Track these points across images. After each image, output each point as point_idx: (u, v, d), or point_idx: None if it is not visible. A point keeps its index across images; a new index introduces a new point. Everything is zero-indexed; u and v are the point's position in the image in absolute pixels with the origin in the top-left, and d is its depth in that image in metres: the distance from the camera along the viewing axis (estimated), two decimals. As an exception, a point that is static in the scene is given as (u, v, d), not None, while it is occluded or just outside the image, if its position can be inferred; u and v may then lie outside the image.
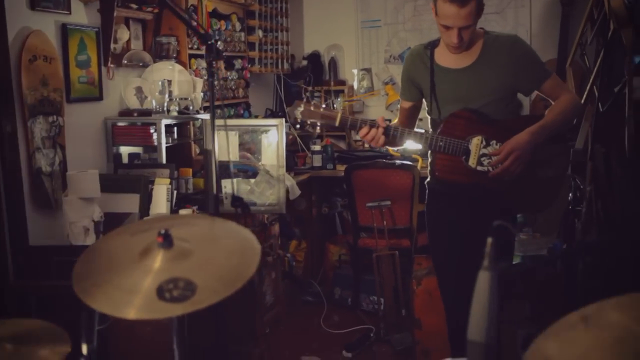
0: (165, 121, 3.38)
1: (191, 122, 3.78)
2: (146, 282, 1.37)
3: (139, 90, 3.59)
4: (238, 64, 4.52)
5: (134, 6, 3.48)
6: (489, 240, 1.31)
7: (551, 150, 2.66)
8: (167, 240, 1.45)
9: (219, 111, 4.32)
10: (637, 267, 2.77)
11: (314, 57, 5.53)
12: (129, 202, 3.22)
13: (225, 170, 3.90)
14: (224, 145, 3.80)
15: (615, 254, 2.93)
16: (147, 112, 3.41)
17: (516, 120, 2.64)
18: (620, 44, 3.40)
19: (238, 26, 4.49)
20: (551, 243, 3.68)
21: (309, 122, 2.59)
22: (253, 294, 3.90)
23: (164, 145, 3.36)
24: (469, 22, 2.46)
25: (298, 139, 4.97)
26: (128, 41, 3.57)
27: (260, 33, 4.71)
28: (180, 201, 3.64)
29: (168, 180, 3.23)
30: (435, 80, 2.67)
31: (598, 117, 3.66)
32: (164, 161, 3.36)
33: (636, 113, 3.49)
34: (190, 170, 3.64)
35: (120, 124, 3.43)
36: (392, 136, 2.55)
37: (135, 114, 3.43)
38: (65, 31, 3.12)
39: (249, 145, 4.13)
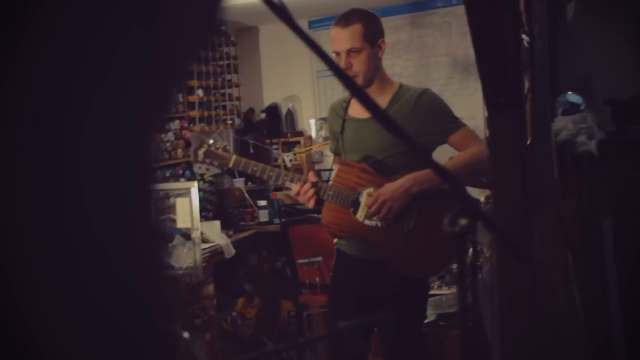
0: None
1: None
2: None
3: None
4: (175, 125, 4.57)
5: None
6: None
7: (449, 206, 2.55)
8: None
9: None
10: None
11: (272, 110, 5.54)
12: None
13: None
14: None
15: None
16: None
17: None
18: None
19: (173, 88, 4.55)
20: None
21: (207, 162, 2.68)
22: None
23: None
24: (355, 44, 2.42)
25: (246, 194, 4.97)
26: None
27: (200, 92, 4.76)
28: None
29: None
30: (344, 129, 2.63)
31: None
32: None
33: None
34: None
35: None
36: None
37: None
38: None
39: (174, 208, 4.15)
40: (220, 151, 2.67)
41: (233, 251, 4.33)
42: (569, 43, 4.04)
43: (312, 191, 2.46)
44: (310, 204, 2.50)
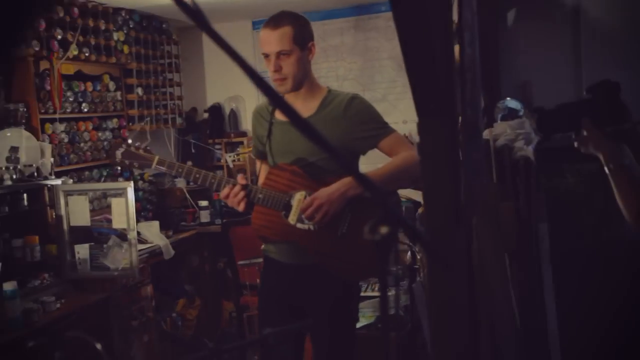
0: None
1: (45, 188, 3.70)
2: None
3: (-17, 158, 3.53)
4: (113, 123, 4.46)
5: (-29, 74, 3.45)
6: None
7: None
8: None
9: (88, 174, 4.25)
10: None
11: (215, 110, 5.48)
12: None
13: (81, 234, 3.82)
14: (79, 210, 3.74)
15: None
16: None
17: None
18: None
19: (112, 86, 4.46)
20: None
21: (127, 163, 2.61)
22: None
23: (-6, 216, 3.29)
24: (284, 46, 2.39)
25: (187, 194, 4.90)
26: (-32, 109, 3.53)
27: (139, 90, 4.67)
28: (29, 268, 3.55)
29: (-11, 253, 3.14)
30: (271, 132, 2.58)
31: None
32: (-4, 232, 3.29)
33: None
34: (37, 238, 3.55)
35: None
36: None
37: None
38: None
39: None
40: (141, 152, 2.59)
41: (172, 252, 4.26)
42: (510, 49, 4.11)
43: (241, 194, 2.42)
44: (240, 208, 2.45)
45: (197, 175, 2.48)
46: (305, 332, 2.58)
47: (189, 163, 5.35)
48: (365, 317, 3.48)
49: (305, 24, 2.49)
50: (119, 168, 2.51)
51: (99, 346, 1.61)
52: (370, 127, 2.48)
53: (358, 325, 3.49)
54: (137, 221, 4.39)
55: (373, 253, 2.38)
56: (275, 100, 1.06)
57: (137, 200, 4.63)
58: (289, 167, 2.48)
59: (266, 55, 2.43)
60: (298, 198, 2.42)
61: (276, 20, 2.42)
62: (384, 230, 1.05)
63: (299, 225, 2.43)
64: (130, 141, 2.66)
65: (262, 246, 2.69)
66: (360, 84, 5.29)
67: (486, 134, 3.47)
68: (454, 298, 1.63)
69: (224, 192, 2.45)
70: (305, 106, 2.50)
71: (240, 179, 2.44)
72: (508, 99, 3.70)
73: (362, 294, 4.00)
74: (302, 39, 2.43)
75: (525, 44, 4.12)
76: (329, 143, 1.04)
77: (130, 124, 4.64)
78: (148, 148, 2.66)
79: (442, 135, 1.58)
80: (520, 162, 3.48)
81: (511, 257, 3.25)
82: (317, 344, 2.57)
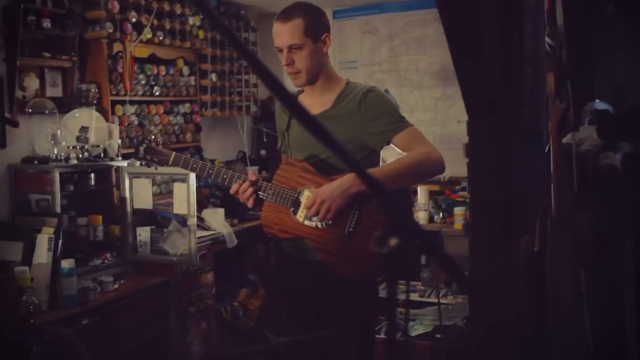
0: (60, 169, 3.36)
1: (112, 169, 3.73)
2: None
3: (54, 136, 3.58)
4: (185, 108, 4.46)
5: (47, 54, 3.49)
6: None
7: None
8: None
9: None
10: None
11: (291, 99, 5.40)
12: (13, 251, 3.19)
13: (145, 217, 3.84)
14: (143, 193, 3.76)
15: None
16: (46, 160, 3.39)
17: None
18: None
19: (186, 70, 4.45)
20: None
21: (148, 158, 2.64)
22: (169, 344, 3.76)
23: (58, 194, 3.32)
24: (295, 40, 2.32)
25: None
26: (42, 89, 3.58)
27: (213, 76, 4.64)
28: (92, 247, 3.59)
29: (52, 230, 3.17)
30: (290, 127, 2.54)
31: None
32: (59, 209, 3.32)
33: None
34: (101, 217, 3.58)
35: (25, 171, 3.43)
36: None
37: (36, 162, 3.42)
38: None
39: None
40: (160, 147, 2.64)
41: (235, 241, 4.22)
42: (607, 48, 3.80)
43: (250, 190, 2.38)
44: (250, 204, 2.40)
45: (210, 171, 2.48)
46: (326, 343, 2.46)
47: (262, 152, 5.35)
48: (423, 325, 3.30)
49: (319, 15, 2.40)
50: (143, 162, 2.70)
51: (82, 350, 1.55)
52: (384, 122, 2.37)
53: (414, 333, 3.33)
54: (204, 207, 4.39)
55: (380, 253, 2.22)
56: (284, 98, 0.94)
57: (206, 186, 4.63)
58: (299, 164, 2.43)
59: (279, 49, 2.37)
60: (307, 195, 2.37)
61: (287, 13, 2.34)
62: (393, 242, 0.90)
63: (306, 222, 2.37)
64: (153, 137, 2.70)
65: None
66: (442, 79, 5.08)
67: (569, 138, 3.22)
68: (499, 328, 1.45)
69: (233, 187, 2.42)
70: (322, 100, 2.44)
71: (251, 174, 2.42)
72: (597, 101, 3.42)
73: (425, 299, 3.86)
74: (315, 31, 2.34)
75: (624, 43, 3.80)
76: (334, 139, 0.90)
77: (203, 109, 4.63)
78: (169, 144, 2.77)
79: (493, 137, 1.40)
80: (605, 170, 3.21)
81: (587, 272, 3.00)
82: (334, 344, 2.45)
